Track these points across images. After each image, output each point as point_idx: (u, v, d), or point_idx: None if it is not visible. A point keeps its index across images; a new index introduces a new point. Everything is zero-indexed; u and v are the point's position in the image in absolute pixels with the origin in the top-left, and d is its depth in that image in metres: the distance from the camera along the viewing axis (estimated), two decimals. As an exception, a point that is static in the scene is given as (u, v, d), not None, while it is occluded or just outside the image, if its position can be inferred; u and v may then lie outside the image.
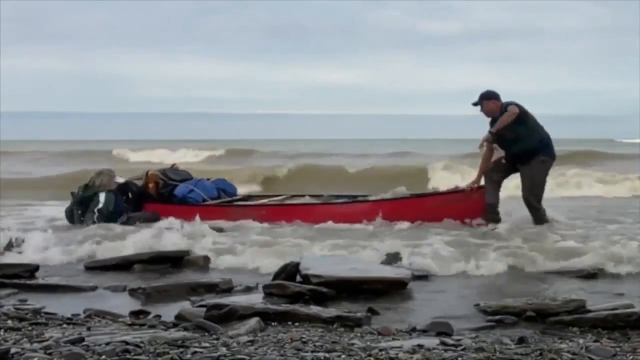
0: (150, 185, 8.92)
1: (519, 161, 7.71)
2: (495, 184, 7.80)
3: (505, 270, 5.95)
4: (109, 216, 8.36)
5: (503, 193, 8.02)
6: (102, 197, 8.40)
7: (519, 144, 7.62)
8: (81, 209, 8.49)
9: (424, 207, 8.09)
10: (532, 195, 7.67)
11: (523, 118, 7.62)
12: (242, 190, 11.39)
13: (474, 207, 7.83)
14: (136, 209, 8.72)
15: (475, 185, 7.96)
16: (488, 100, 7.84)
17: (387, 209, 8.15)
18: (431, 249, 6.33)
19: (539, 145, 7.66)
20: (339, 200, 9.01)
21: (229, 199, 9.34)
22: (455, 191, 8.25)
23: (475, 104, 7.91)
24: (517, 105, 7.65)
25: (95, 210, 8.35)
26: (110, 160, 25.00)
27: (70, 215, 8.64)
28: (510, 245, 6.56)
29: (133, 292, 5.19)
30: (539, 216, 7.68)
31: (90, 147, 33.10)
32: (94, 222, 8.27)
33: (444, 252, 6.22)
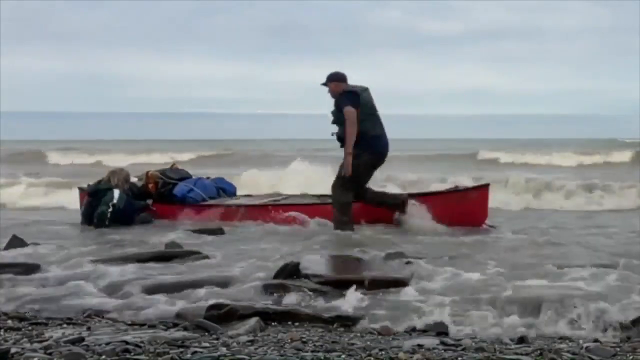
0: (150, 185, 8.92)
1: (340, 144, 7.90)
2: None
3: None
4: (119, 214, 8.33)
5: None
6: (116, 193, 8.36)
7: (340, 127, 7.87)
8: (94, 201, 8.41)
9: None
10: (338, 189, 7.85)
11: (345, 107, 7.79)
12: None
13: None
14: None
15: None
16: (330, 82, 8.03)
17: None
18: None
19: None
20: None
21: (229, 198, 9.32)
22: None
23: (323, 84, 8.07)
24: (353, 94, 7.78)
25: (110, 204, 8.29)
26: (38, 162, 23.64)
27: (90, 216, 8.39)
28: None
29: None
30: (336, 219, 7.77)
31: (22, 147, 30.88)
32: (107, 218, 8.21)
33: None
